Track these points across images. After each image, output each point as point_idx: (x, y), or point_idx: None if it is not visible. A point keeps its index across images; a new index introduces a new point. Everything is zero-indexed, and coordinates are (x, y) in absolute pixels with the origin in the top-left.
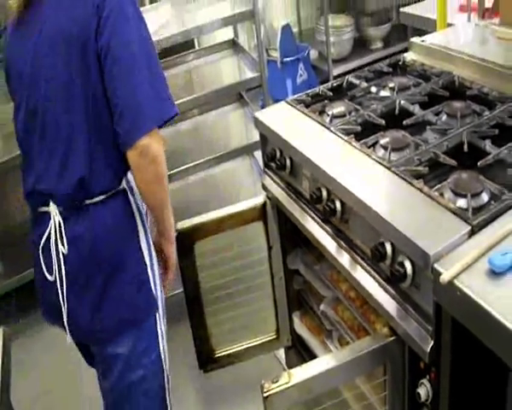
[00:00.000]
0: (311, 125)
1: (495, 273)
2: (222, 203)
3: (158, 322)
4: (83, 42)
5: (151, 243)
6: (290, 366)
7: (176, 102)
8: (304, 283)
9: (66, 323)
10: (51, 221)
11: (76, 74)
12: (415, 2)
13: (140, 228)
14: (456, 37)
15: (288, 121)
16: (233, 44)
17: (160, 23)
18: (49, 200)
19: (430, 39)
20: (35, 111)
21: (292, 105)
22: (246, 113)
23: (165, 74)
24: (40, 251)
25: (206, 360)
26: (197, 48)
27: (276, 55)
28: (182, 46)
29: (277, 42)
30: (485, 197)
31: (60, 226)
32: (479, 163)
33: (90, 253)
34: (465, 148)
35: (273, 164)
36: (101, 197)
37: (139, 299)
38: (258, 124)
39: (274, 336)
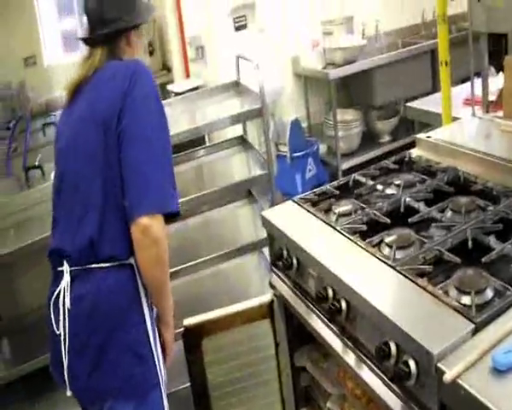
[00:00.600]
0: (317, 224)
1: (498, 371)
2: (230, 298)
3: (163, 397)
4: (108, 121)
5: (155, 325)
6: None
7: (186, 198)
8: (311, 380)
9: (66, 376)
10: (63, 280)
11: (100, 149)
12: (421, 97)
13: (144, 303)
14: (461, 131)
15: (295, 220)
16: (242, 141)
17: (172, 119)
18: (63, 260)
19: (435, 135)
20: (63, 177)
21: (299, 204)
22: (254, 209)
23: (176, 170)
24: (51, 307)
25: None
26: (207, 144)
27: (285, 149)
28: (192, 142)
29: (287, 137)
30: (489, 294)
31: (68, 285)
32: (483, 259)
33: (91, 312)
34: (469, 244)
35: (280, 262)
36: (108, 265)
37: (139, 371)
38: (265, 223)
39: None
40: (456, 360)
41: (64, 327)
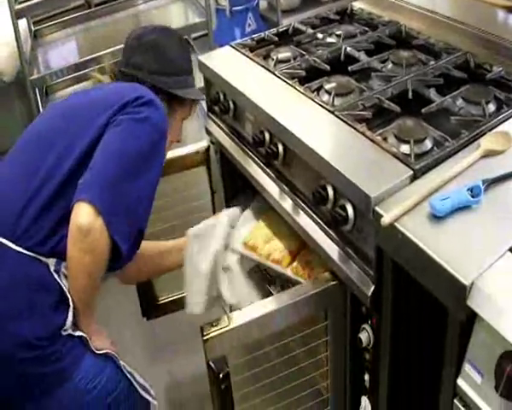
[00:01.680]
0: (255, 69)
1: (435, 217)
2: None
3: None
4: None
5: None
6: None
7: (122, 46)
8: None
9: None
10: None
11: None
12: None
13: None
14: None
15: (233, 65)
16: None
17: None
18: None
19: None
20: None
21: (237, 49)
22: (192, 59)
23: (111, 18)
24: None
25: (150, 307)
26: None
27: (225, 3)
28: None
29: None
30: (428, 144)
31: None
32: (423, 110)
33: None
34: (410, 95)
35: (217, 108)
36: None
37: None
38: (202, 67)
39: None
40: (394, 205)
41: None
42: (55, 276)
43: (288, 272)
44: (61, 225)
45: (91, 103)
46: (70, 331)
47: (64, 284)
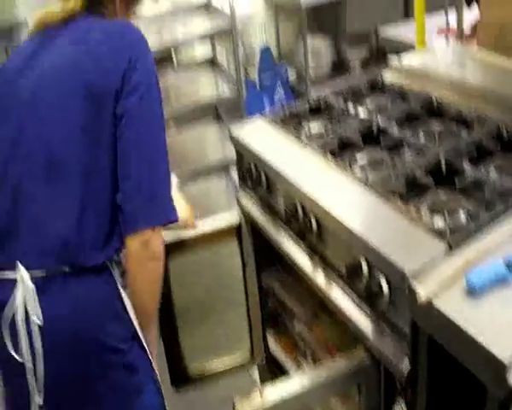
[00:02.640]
0: (287, 141)
1: (472, 292)
2: (197, 219)
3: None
4: (100, 96)
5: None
6: (263, 382)
7: None
8: (278, 301)
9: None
10: (17, 290)
11: (81, 120)
12: (392, 22)
13: (130, 311)
14: (435, 58)
15: (264, 137)
16: (211, 64)
17: None
18: (14, 260)
19: (408, 60)
20: (22, 141)
21: (268, 121)
22: (223, 131)
23: None
24: (4, 326)
25: (179, 376)
26: (175, 65)
27: (254, 75)
28: (160, 62)
29: (256, 62)
30: (462, 216)
31: (34, 297)
32: (456, 182)
33: (69, 333)
34: (443, 167)
35: (248, 180)
36: (84, 271)
37: (132, 381)
38: (233, 138)
39: (248, 354)
40: (429, 280)
41: (32, 354)
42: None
43: None
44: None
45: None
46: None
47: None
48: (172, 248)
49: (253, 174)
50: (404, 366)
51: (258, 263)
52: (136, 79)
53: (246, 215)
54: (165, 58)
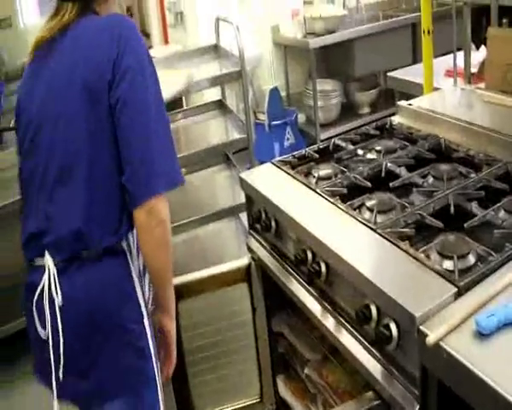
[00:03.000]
0: (296, 186)
1: (481, 335)
2: (206, 265)
3: (159, 397)
4: (95, 90)
5: (149, 315)
6: None
7: None
8: (288, 345)
9: (54, 384)
10: (45, 274)
11: (84, 118)
12: (401, 68)
13: (139, 294)
14: (443, 100)
15: (274, 182)
16: (220, 106)
17: None
18: (44, 250)
19: (417, 103)
20: (37, 152)
21: (278, 166)
22: (232, 175)
23: None
24: (34, 306)
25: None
26: (185, 108)
27: (263, 118)
28: (170, 105)
29: (265, 105)
30: (471, 259)
31: (55, 279)
32: (465, 225)
33: (86, 312)
34: (451, 210)
35: (258, 225)
36: (99, 253)
37: (138, 365)
38: (243, 184)
39: (258, 400)
40: (438, 323)
41: (53, 331)
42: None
43: None
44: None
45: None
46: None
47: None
48: (182, 291)
49: (263, 219)
50: (414, 409)
51: (268, 307)
52: (125, 63)
53: (256, 259)
54: (174, 101)
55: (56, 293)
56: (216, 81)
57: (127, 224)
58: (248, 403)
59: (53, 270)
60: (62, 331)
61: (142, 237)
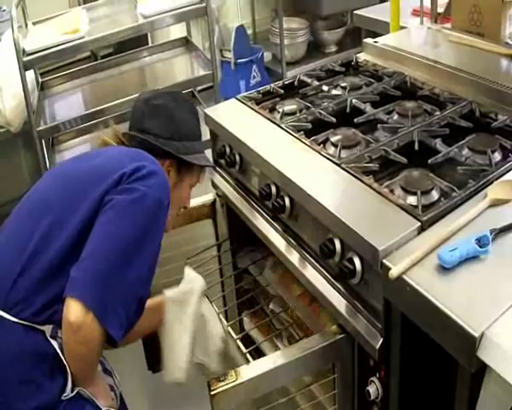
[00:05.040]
0: (261, 121)
1: (444, 269)
2: None
3: None
4: (103, 176)
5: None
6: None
7: (127, 98)
8: (253, 282)
9: None
10: None
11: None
12: (368, 6)
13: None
14: (409, 39)
15: (239, 118)
16: (186, 43)
17: (111, 19)
18: None
19: (383, 40)
20: (36, 197)
21: (243, 102)
22: (199, 111)
23: (118, 70)
24: None
25: (155, 360)
26: (150, 45)
27: (229, 56)
28: (134, 43)
29: (231, 43)
30: (435, 195)
31: None
32: (429, 161)
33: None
34: (416, 146)
35: (223, 161)
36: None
37: None
38: (208, 120)
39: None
40: (401, 257)
41: None
42: (52, 341)
43: None
44: (57, 300)
45: (89, 172)
46: (69, 393)
47: (60, 350)
48: None
49: (228, 155)
50: (378, 342)
51: (233, 243)
52: (139, 183)
53: (220, 196)
54: (139, 38)
55: None
56: (181, 17)
57: (56, 308)
58: None
59: None
60: None
61: (63, 340)
